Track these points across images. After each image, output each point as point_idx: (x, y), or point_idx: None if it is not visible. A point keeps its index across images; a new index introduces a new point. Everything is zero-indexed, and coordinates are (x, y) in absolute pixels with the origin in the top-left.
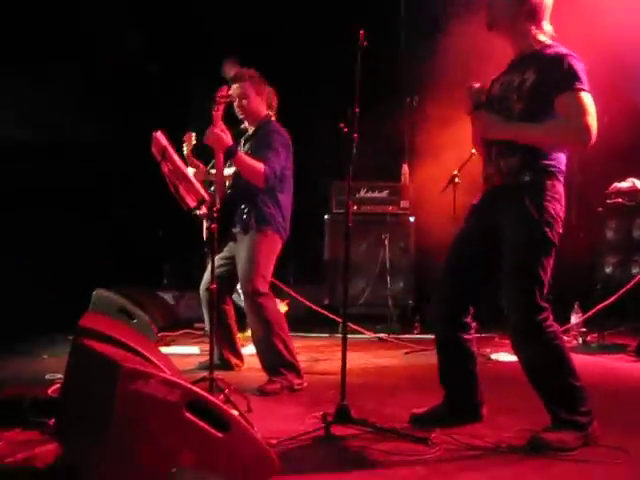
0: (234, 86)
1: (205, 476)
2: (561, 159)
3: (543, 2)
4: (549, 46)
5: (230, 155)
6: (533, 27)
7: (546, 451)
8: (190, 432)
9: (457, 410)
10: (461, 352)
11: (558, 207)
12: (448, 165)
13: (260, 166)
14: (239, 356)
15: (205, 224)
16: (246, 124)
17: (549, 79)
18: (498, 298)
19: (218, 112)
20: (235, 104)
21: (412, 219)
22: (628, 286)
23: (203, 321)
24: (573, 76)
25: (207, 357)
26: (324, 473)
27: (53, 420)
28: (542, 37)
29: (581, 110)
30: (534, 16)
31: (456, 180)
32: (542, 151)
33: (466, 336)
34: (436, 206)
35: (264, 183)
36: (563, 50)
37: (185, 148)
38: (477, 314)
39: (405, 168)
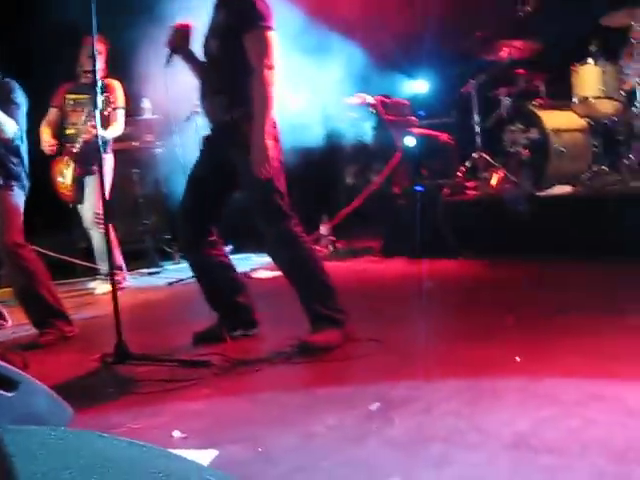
0: None
1: None
2: None
3: None
4: None
5: None
6: None
7: (314, 353)
8: None
9: (233, 323)
10: (216, 266)
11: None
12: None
13: (14, 125)
14: (2, 315)
15: None
16: None
17: (237, 19)
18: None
19: None
20: None
21: (158, 151)
22: (366, 191)
23: None
24: (257, 15)
25: None
26: (112, 409)
27: None
28: None
29: (264, 49)
30: None
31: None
32: (244, 92)
33: (216, 252)
34: (182, 136)
35: (11, 140)
36: None
37: None
38: (233, 236)
39: (146, 103)
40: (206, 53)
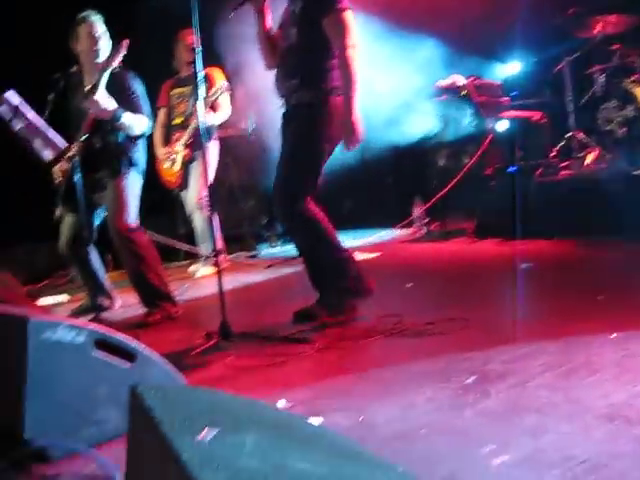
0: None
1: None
2: (338, 76)
3: None
4: None
5: (117, 119)
6: None
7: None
8: (102, 368)
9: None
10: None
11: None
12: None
13: (145, 119)
14: (111, 297)
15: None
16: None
17: (313, 5)
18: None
19: None
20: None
21: (251, 138)
22: (459, 174)
23: (64, 270)
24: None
25: (77, 304)
26: (219, 382)
27: None
28: None
29: (343, 30)
30: None
31: None
32: (319, 72)
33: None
34: (273, 120)
35: (141, 135)
36: None
37: None
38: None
39: (239, 90)
40: (284, 41)
